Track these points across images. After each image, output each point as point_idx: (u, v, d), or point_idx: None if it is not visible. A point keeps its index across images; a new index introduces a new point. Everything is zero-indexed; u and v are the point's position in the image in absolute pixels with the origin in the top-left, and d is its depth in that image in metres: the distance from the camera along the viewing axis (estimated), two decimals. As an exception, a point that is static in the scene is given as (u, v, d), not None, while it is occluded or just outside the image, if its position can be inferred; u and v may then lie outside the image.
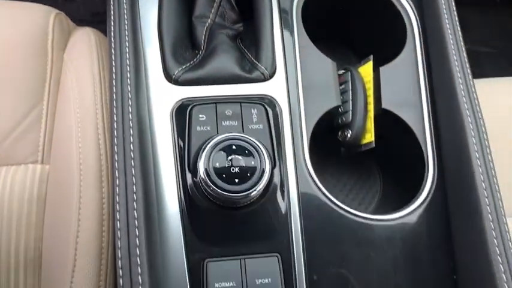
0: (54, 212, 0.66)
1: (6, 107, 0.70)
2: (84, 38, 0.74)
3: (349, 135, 0.59)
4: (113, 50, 0.51)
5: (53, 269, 0.64)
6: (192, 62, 0.55)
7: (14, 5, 0.77)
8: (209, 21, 0.60)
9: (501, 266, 0.47)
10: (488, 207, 0.49)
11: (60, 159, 0.67)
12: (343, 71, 0.63)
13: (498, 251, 0.48)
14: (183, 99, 0.52)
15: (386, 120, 0.58)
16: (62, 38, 0.75)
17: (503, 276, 0.47)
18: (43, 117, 0.71)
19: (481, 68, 1.42)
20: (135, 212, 0.44)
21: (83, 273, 0.61)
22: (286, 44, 0.58)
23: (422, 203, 0.53)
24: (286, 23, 0.59)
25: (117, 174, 0.45)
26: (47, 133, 0.70)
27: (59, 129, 0.69)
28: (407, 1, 0.64)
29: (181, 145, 0.49)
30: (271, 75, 0.55)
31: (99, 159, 0.64)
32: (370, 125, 0.59)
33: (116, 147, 0.46)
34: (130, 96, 0.48)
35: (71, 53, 0.73)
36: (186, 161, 0.48)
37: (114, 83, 0.49)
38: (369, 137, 0.58)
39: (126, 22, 0.53)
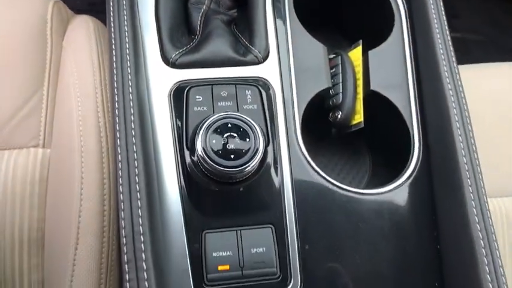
0: (56, 193, 0.68)
1: (7, 93, 0.72)
2: (83, 25, 0.75)
3: (339, 116, 0.62)
4: (112, 35, 0.53)
5: (56, 249, 0.66)
6: (188, 46, 0.57)
7: None
8: (204, 7, 0.62)
9: (481, 241, 0.50)
10: (469, 180, 0.52)
11: (61, 142, 0.69)
12: (333, 55, 0.66)
13: (479, 228, 0.51)
14: (180, 81, 0.54)
15: (375, 102, 0.61)
16: (60, 26, 0.76)
17: (483, 251, 0.50)
18: (43, 103, 0.73)
19: (470, 55, 1.45)
20: (137, 185, 0.46)
21: (85, 251, 0.64)
22: (278, 29, 0.60)
23: (408, 178, 0.56)
24: (278, 10, 0.61)
25: (119, 151, 0.47)
26: (48, 118, 0.72)
27: (59, 114, 0.72)
28: None
29: (179, 125, 0.52)
30: (265, 58, 0.58)
31: (99, 141, 0.66)
32: (360, 106, 0.62)
33: (117, 125, 0.48)
34: (130, 78, 0.51)
35: (70, 40, 0.75)
36: (184, 140, 0.51)
37: (114, 66, 0.51)
38: (358, 117, 0.61)
39: (124, 8, 0.55)
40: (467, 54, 1.46)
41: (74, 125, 0.67)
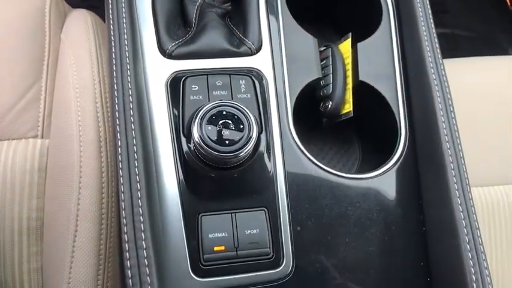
0: (55, 182, 0.70)
1: (6, 85, 0.73)
2: (81, 19, 0.77)
3: (330, 105, 0.64)
4: (111, 27, 0.55)
5: (55, 236, 0.68)
6: (184, 38, 0.59)
7: None
8: (199, 0, 0.64)
9: (463, 221, 0.53)
10: (451, 164, 0.55)
11: (60, 132, 0.71)
12: (324, 47, 0.68)
13: (461, 209, 0.54)
14: (176, 71, 0.57)
15: (363, 92, 0.63)
16: (58, 19, 0.78)
17: (465, 230, 0.53)
18: (42, 94, 0.75)
19: (459, 50, 1.48)
20: (136, 169, 0.49)
21: (84, 238, 0.66)
22: (271, 22, 0.62)
23: (394, 164, 0.59)
24: (271, 4, 0.63)
25: (119, 137, 0.49)
26: (46, 109, 0.74)
27: (58, 105, 0.73)
28: None
29: (176, 113, 0.54)
30: (258, 50, 0.60)
31: (97, 131, 0.68)
32: (349, 96, 0.64)
33: (117, 113, 0.50)
34: (129, 68, 0.53)
35: (68, 33, 0.77)
36: (180, 127, 0.53)
37: (113, 57, 0.53)
38: (348, 107, 0.64)
39: (123, 1, 0.57)
40: (456, 49, 1.49)
41: (73, 115, 0.69)
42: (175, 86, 0.55)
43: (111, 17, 0.56)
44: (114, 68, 0.53)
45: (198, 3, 0.63)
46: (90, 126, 0.68)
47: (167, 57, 0.57)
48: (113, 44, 0.54)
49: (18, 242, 0.69)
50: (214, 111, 0.51)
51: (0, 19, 0.76)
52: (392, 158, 0.59)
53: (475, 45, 1.55)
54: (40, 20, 0.76)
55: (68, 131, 0.69)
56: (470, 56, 0.98)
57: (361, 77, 0.63)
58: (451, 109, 0.59)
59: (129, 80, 0.52)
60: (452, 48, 1.47)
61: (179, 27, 0.62)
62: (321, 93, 0.65)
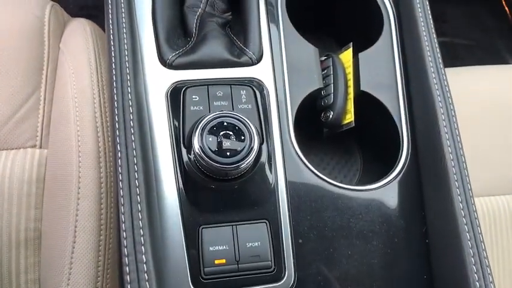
0: (53, 193, 0.69)
1: (4, 94, 0.73)
2: (80, 28, 0.77)
3: (331, 116, 0.63)
4: (111, 37, 0.55)
5: (53, 247, 0.67)
6: (184, 48, 0.59)
7: None
8: (200, 10, 0.64)
9: (467, 234, 0.52)
10: (455, 176, 0.55)
11: (59, 142, 0.71)
12: (325, 57, 0.68)
13: (465, 221, 0.53)
14: (177, 82, 0.56)
15: (365, 102, 0.63)
16: (57, 28, 0.78)
17: (469, 243, 0.52)
18: (41, 103, 0.74)
19: (459, 59, 1.48)
20: (136, 181, 0.48)
21: (82, 249, 0.65)
22: (272, 32, 0.62)
23: (397, 175, 0.58)
24: (271, 13, 0.63)
25: (119, 148, 0.49)
26: (45, 118, 0.74)
27: (56, 114, 0.73)
28: None
29: (176, 124, 0.53)
30: (258, 60, 0.60)
31: (96, 141, 0.67)
32: (350, 106, 0.64)
33: (117, 124, 0.50)
34: (129, 78, 0.52)
35: (67, 42, 0.76)
36: (181, 138, 0.52)
37: (113, 67, 0.53)
38: (349, 117, 0.63)
39: (123, 11, 0.57)
40: (455, 58, 1.49)
41: (72, 125, 0.68)
42: (176, 96, 0.55)
43: (111, 27, 0.56)
44: (114, 79, 0.52)
45: (198, 13, 0.63)
46: (89, 137, 0.67)
47: (167, 67, 0.57)
48: (113, 54, 0.54)
49: (15, 252, 0.68)
50: (215, 122, 0.50)
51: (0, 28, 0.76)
52: (395, 169, 0.58)
53: (474, 53, 1.55)
54: (39, 29, 0.76)
55: (66, 141, 0.69)
56: (470, 65, 0.98)
57: (363, 87, 0.62)
58: (454, 120, 0.59)
59: (129, 90, 0.52)
60: (452, 57, 1.48)
61: (179, 37, 0.62)
62: (322, 103, 0.65)
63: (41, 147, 0.73)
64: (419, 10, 0.66)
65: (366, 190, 0.56)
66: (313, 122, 0.66)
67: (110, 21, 0.56)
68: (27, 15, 0.76)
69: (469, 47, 1.56)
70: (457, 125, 0.59)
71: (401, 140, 0.60)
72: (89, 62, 0.71)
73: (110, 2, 0.58)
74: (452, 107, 0.60)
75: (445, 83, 0.60)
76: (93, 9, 0.77)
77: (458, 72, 0.94)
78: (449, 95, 0.60)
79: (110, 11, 0.56)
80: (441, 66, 0.62)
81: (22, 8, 0.78)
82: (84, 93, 0.70)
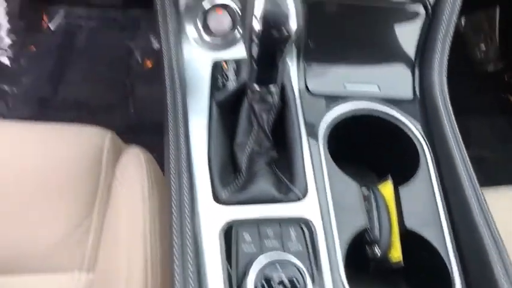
0: None
1: (60, 217, 0.77)
2: (134, 156, 0.83)
3: (377, 251, 0.64)
4: (172, 177, 0.59)
5: None
6: (235, 185, 0.63)
7: (74, 128, 0.89)
8: (247, 148, 0.69)
9: None
10: None
11: (107, 268, 0.72)
12: (366, 191, 0.70)
13: None
14: (230, 220, 0.59)
15: (410, 239, 0.63)
16: (114, 156, 0.84)
17: None
18: (92, 228, 0.78)
19: (494, 178, 1.47)
20: None
21: None
22: (315, 169, 0.66)
23: None
24: (314, 152, 0.68)
25: (177, 277, 0.50)
26: (94, 243, 0.76)
27: (106, 240, 0.76)
28: (418, 130, 0.73)
29: (229, 264, 0.55)
30: (304, 195, 0.63)
31: (145, 271, 0.69)
32: (396, 241, 0.64)
33: (176, 260, 0.52)
34: (188, 219, 0.56)
35: (122, 169, 0.82)
36: (235, 279, 0.53)
37: (174, 209, 0.56)
38: (397, 256, 0.63)
39: (182, 157, 0.62)
40: (489, 176, 1.48)
41: (121, 253, 0.71)
42: (228, 235, 0.57)
43: (172, 171, 0.60)
44: (174, 220, 0.56)
45: (246, 151, 0.68)
46: (137, 266, 0.69)
47: (221, 204, 0.60)
48: (173, 199, 0.58)
49: None
50: (268, 264, 0.51)
51: (61, 154, 0.83)
52: None
53: (501, 170, 1.54)
54: (98, 157, 0.83)
55: (114, 268, 0.70)
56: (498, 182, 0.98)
57: (408, 225, 0.64)
58: (504, 249, 0.58)
59: (188, 229, 0.55)
60: (485, 173, 1.47)
61: (230, 174, 0.66)
62: (368, 238, 0.66)
63: (88, 271, 0.74)
64: (452, 140, 0.69)
65: None
66: (359, 256, 0.66)
67: (171, 166, 0.61)
68: (89, 143, 0.84)
69: (498, 161, 1.56)
70: (508, 255, 0.58)
71: (452, 282, 0.59)
72: (142, 191, 0.76)
73: (170, 143, 0.63)
74: (498, 236, 0.59)
75: (488, 213, 0.61)
76: (146, 136, 0.85)
77: (495, 192, 0.93)
78: (494, 227, 0.60)
79: (171, 156, 0.62)
80: (480, 192, 0.64)
81: (84, 136, 0.86)
82: (135, 220, 0.73)
